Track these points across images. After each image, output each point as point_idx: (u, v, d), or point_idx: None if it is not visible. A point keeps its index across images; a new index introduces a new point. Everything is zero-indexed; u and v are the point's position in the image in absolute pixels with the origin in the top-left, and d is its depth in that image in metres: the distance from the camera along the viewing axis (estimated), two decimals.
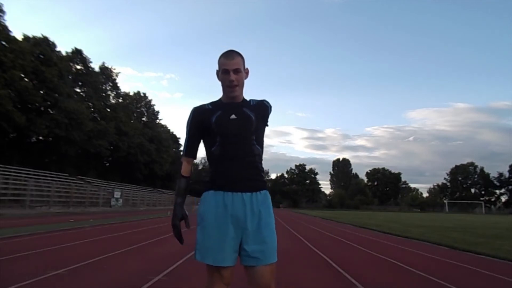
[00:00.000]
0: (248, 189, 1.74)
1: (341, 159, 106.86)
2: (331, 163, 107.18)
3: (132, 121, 48.14)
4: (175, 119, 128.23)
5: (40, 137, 32.60)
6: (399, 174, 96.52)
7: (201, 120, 1.81)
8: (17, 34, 36.78)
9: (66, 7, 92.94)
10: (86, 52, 39.29)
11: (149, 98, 56.69)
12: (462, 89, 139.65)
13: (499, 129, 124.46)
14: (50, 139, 32.09)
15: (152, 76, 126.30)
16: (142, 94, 55.67)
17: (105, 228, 10.62)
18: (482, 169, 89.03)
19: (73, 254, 5.57)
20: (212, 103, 1.86)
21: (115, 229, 10.58)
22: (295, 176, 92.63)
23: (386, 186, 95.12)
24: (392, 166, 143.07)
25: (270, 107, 1.91)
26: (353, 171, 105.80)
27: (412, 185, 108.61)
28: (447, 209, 76.15)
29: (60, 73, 31.52)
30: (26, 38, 30.55)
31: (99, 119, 39.14)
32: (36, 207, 21.53)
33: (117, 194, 32.94)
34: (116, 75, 46.08)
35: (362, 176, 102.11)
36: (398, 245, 8.73)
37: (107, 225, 11.84)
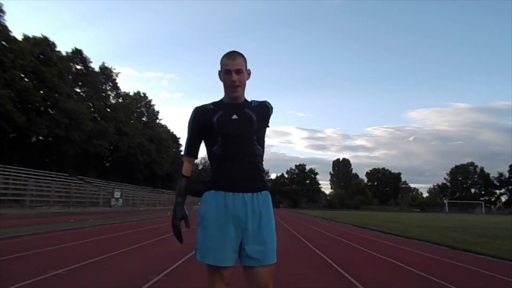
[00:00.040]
0: (249, 189, 1.74)
1: (341, 159, 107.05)
2: (331, 163, 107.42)
3: (132, 121, 48.15)
4: (175, 119, 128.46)
5: (40, 137, 32.61)
6: (399, 174, 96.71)
7: (202, 120, 1.81)
8: (17, 34, 36.84)
9: (66, 7, 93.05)
10: (86, 52, 39.39)
11: (149, 98, 56.83)
12: (462, 89, 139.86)
13: (499, 129, 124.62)
14: (50, 139, 32.10)
15: (152, 76, 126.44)
16: (142, 94, 55.74)
17: (105, 228, 10.62)
18: (482, 169, 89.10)
19: (73, 254, 5.57)
20: (214, 103, 1.86)
21: (115, 229, 10.58)
22: (295, 176, 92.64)
23: (386, 186, 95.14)
24: (392, 166, 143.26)
25: (272, 108, 1.92)
26: (353, 171, 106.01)
27: (412, 185, 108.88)
28: (447, 209, 76.15)
29: (60, 73, 31.53)
30: (26, 38, 30.56)
31: (99, 119, 39.14)
32: (36, 207, 21.53)
33: (117, 194, 32.95)
34: (116, 75, 46.17)
35: (362, 176, 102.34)
36: (398, 245, 8.73)
37: (107, 225, 11.84)
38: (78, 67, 39.07)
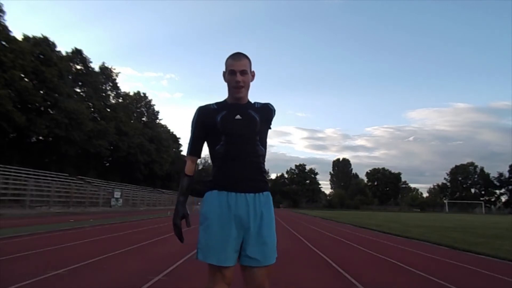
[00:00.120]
0: (251, 190, 1.75)
1: (341, 159, 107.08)
2: (331, 163, 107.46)
3: (132, 121, 48.11)
4: (175, 119, 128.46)
5: (40, 137, 32.58)
6: (399, 174, 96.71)
7: (206, 120, 1.82)
8: (17, 34, 36.82)
9: (66, 7, 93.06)
10: (86, 52, 39.35)
11: (149, 98, 56.72)
12: (462, 89, 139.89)
13: (499, 129, 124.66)
14: (50, 139, 32.09)
15: (152, 76, 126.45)
16: (142, 94, 55.65)
17: (105, 228, 10.62)
18: (482, 169, 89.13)
19: (73, 254, 5.57)
20: (217, 103, 1.87)
21: (115, 229, 10.58)
22: (295, 176, 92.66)
23: (386, 186, 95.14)
24: (392, 166, 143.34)
25: (274, 110, 1.94)
26: (353, 171, 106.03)
27: (412, 185, 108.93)
28: (447, 209, 76.16)
29: (60, 73, 31.51)
30: (26, 38, 30.53)
31: (99, 119, 39.12)
32: (36, 207, 21.52)
33: (117, 194, 32.94)
34: (116, 75, 46.11)
35: (362, 176, 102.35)
36: (398, 245, 8.73)
37: (107, 225, 11.84)
38: (78, 67, 39.04)
